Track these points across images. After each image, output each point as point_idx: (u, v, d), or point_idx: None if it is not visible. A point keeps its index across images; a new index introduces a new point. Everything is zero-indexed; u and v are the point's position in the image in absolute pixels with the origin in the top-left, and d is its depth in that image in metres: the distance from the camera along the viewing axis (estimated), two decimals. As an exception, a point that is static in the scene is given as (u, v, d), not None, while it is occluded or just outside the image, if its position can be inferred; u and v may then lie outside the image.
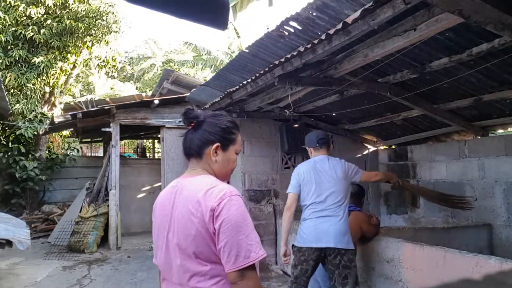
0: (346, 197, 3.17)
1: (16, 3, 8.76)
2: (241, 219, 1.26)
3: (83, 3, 9.33)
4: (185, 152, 1.51)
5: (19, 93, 9.10)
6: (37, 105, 9.15)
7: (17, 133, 8.72)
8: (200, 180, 1.36)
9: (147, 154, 16.05)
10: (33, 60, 8.89)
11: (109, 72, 11.64)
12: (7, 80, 8.58)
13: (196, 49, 16.56)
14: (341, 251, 3.02)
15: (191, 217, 1.29)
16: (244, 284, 1.23)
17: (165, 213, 1.40)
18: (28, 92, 9.04)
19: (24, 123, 8.72)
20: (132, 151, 16.88)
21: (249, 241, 1.25)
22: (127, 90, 18.22)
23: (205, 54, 16.07)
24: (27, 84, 8.99)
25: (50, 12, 9.25)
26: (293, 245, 3.28)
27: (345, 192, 3.17)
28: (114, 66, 11.13)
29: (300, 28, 3.35)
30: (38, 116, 9.12)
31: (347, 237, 3.07)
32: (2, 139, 9.45)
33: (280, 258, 3.51)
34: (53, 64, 9.10)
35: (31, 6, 8.81)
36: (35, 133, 8.93)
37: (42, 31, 8.77)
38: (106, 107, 7.40)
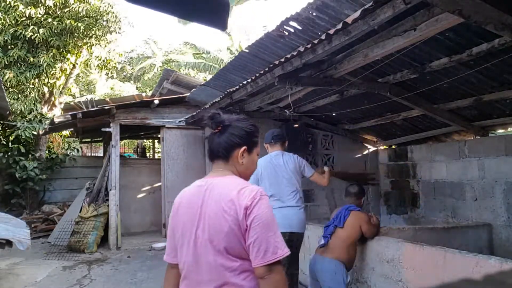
0: (298, 188, 3.57)
1: (16, 3, 8.76)
2: (270, 217, 1.37)
3: (83, 3, 9.32)
4: (211, 154, 1.57)
5: (18, 92, 9.10)
6: (36, 105, 9.14)
7: (13, 135, 8.70)
8: (230, 181, 1.45)
9: (147, 154, 16.05)
10: (32, 60, 8.88)
11: (109, 73, 11.63)
12: (5, 77, 8.56)
13: (196, 49, 16.57)
14: (301, 235, 3.55)
15: (224, 215, 1.36)
16: (271, 278, 1.32)
17: (193, 211, 1.45)
18: (27, 92, 9.04)
19: (23, 123, 8.71)
20: (132, 151, 16.87)
21: (276, 238, 1.35)
22: (127, 90, 18.23)
23: (204, 54, 16.08)
24: (26, 84, 8.98)
25: (50, 12, 9.24)
26: None
27: (298, 184, 3.55)
28: (114, 66, 11.13)
29: (300, 28, 3.35)
30: (38, 116, 9.11)
31: (304, 223, 3.62)
32: (2, 139, 9.44)
33: None
34: (53, 64, 9.09)
35: (30, 7, 8.81)
36: (34, 133, 8.92)
37: (41, 30, 8.77)
38: (106, 107, 7.40)
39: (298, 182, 3.57)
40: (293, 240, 3.43)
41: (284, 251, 1.35)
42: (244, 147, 1.51)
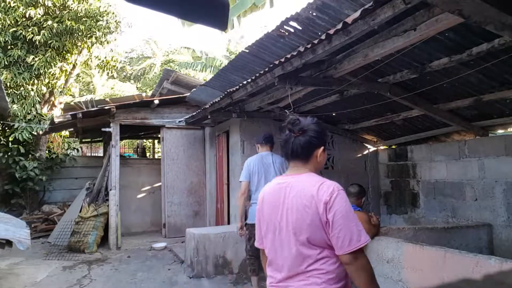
0: None
1: (16, 4, 8.75)
2: (349, 209, 1.52)
3: (83, 2, 9.32)
4: (291, 154, 1.71)
5: (17, 93, 9.10)
6: (35, 106, 9.14)
7: (10, 138, 8.69)
8: (308, 178, 1.62)
9: (147, 154, 16.05)
10: (28, 60, 8.88)
11: (109, 72, 11.63)
12: (3, 77, 8.56)
13: (194, 53, 16.58)
14: None
15: (305, 209, 1.54)
16: (358, 263, 1.49)
17: (276, 205, 1.65)
18: (24, 93, 9.03)
19: (21, 124, 8.70)
20: (132, 151, 16.87)
21: (358, 227, 1.50)
22: (127, 90, 18.23)
23: (204, 55, 16.08)
24: (24, 84, 8.98)
25: (50, 12, 9.24)
26: (246, 223, 4.24)
27: None
28: (114, 66, 11.13)
29: (300, 28, 3.35)
30: (37, 117, 9.11)
31: None
32: (2, 139, 9.44)
33: (238, 232, 4.39)
34: (51, 64, 9.08)
35: (30, 8, 8.80)
36: (34, 133, 8.92)
37: (42, 32, 8.77)
38: (106, 107, 7.39)
39: None
40: None
41: (366, 238, 1.50)
42: (322, 147, 1.69)
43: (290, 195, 1.60)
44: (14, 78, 8.78)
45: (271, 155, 4.28)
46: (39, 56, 8.98)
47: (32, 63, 8.91)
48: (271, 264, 1.68)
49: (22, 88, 9.05)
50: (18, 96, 9.04)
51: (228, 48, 16.68)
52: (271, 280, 1.67)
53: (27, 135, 8.73)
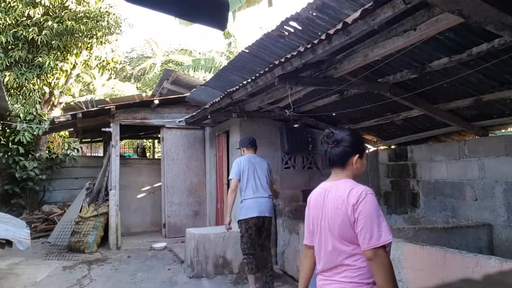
0: (269, 183, 4.56)
1: (15, 3, 8.75)
2: (374, 211, 1.70)
3: (82, 3, 9.32)
4: (330, 163, 1.95)
5: (19, 93, 9.10)
6: (35, 106, 9.14)
7: (16, 140, 8.69)
8: (343, 183, 1.84)
9: (147, 154, 16.05)
10: (36, 61, 8.89)
11: (109, 73, 11.64)
12: (6, 80, 8.57)
13: (192, 55, 16.57)
14: (271, 218, 4.58)
15: (337, 211, 1.77)
16: (377, 260, 1.66)
17: (318, 207, 1.92)
18: (27, 93, 9.04)
19: (22, 125, 8.69)
20: (132, 151, 16.87)
21: (380, 228, 1.68)
22: (127, 90, 18.23)
23: (202, 56, 16.07)
24: (27, 85, 8.98)
25: (50, 12, 9.24)
26: (239, 220, 4.44)
27: (268, 180, 4.56)
28: (114, 67, 11.14)
29: (300, 28, 3.35)
30: (37, 117, 9.11)
31: (273, 209, 4.66)
32: (2, 139, 9.44)
33: (227, 227, 4.58)
34: (56, 65, 9.10)
35: (29, 7, 8.80)
36: (34, 133, 8.92)
37: (43, 32, 8.77)
38: (106, 107, 7.39)
39: (268, 178, 4.57)
40: (265, 222, 4.48)
41: (387, 238, 1.67)
42: (356, 155, 1.90)
43: (328, 198, 1.85)
44: (17, 79, 8.78)
45: (257, 157, 4.61)
46: (42, 56, 8.98)
47: (38, 64, 8.90)
48: (316, 257, 1.97)
49: (24, 88, 9.05)
50: (20, 97, 9.05)
51: (228, 49, 16.67)
52: (317, 270, 1.96)
53: (29, 136, 8.73)
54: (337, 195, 1.80)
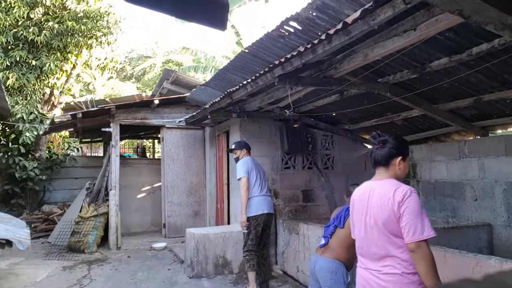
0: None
1: (16, 3, 8.75)
2: (418, 208, 1.86)
3: (83, 2, 9.32)
4: (375, 163, 2.10)
5: (19, 94, 9.10)
6: (37, 106, 9.14)
7: (20, 140, 8.69)
8: (388, 182, 1.99)
9: (147, 154, 16.05)
10: (36, 62, 8.88)
11: (109, 73, 11.64)
12: (8, 81, 8.57)
13: (194, 54, 16.56)
14: (274, 215, 5.07)
15: (384, 207, 1.92)
16: (420, 252, 1.81)
17: (363, 204, 2.06)
18: (28, 93, 9.04)
19: (24, 125, 8.69)
20: (132, 151, 16.87)
21: (423, 224, 1.83)
22: (127, 90, 18.23)
23: (204, 56, 16.06)
24: (28, 85, 8.98)
25: (50, 12, 9.24)
26: (247, 218, 4.55)
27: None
28: (114, 67, 11.14)
29: (300, 28, 3.35)
30: (38, 117, 9.11)
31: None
32: (2, 139, 9.44)
33: (243, 225, 4.59)
34: (56, 66, 9.09)
35: (29, 7, 8.79)
36: (35, 133, 8.92)
37: (43, 32, 8.77)
38: (106, 107, 7.39)
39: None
40: (270, 219, 4.74)
41: (429, 233, 1.82)
42: (400, 157, 2.05)
43: (374, 196, 2.00)
44: (19, 80, 8.78)
45: (255, 159, 4.91)
46: (42, 57, 8.98)
47: (38, 65, 8.90)
48: (358, 251, 2.13)
49: (25, 89, 9.05)
50: (21, 97, 9.04)
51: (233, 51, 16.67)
52: (360, 264, 2.12)
53: (32, 138, 8.73)
54: (383, 192, 1.95)
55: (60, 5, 9.26)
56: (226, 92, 4.93)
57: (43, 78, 9.24)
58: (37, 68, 8.98)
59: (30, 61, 8.92)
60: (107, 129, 7.46)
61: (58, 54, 9.22)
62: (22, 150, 8.83)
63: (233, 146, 5.03)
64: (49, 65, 8.89)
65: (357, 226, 2.12)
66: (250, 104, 5.41)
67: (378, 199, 1.96)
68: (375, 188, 2.03)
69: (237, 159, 4.90)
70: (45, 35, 8.75)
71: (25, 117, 8.68)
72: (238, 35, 15.48)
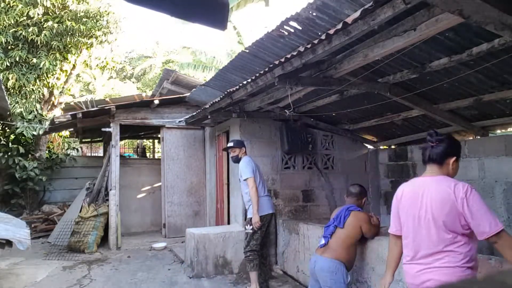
0: None
1: (15, 3, 8.75)
2: (483, 203, 1.92)
3: (82, 3, 9.32)
4: (429, 160, 2.15)
5: (19, 94, 9.10)
6: (36, 106, 9.14)
7: (17, 131, 8.70)
8: (444, 179, 2.05)
9: (147, 154, 16.05)
10: (35, 62, 8.88)
11: (109, 73, 11.65)
12: (9, 83, 8.58)
13: (194, 54, 16.56)
14: (275, 215, 5.18)
15: (444, 202, 1.96)
16: (502, 241, 1.89)
17: (415, 198, 2.10)
18: (27, 93, 9.04)
19: (23, 123, 8.69)
20: (132, 151, 16.86)
21: (493, 216, 1.91)
22: (127, 90, 18.23)
23: (204, 55, 16.05)
24: (27, 85, 8.98)
25: (49, 12, 9.24)
26: (250, 218, 4.60)
27: None
28: (114, 67, 11.14)
29: (300, 28, 3.35)
30: (37, 117, 9.11)
31: None
32: (2, 139, 9.44)
33: (256, 226, 4.57)
34: (55, 66, 9.09)
35: (29, 7, 8.79)
36: (34, 133, 8.92)
37: (43, 32, 8.77)
38: (106, 107, 7.39)
39: None
40: (272, 219, 4.89)
41: (500, 223, 1.90)
42: (454, 157, 2.12)
43: (430, 191, 2.03)
44: (19, 80, 8.78)
45: None
46: (42, 56, 8.98)
47: (38, 65, 8.90)
48: (408, 245, 2.14)
49: (24, 88, 9.05)
50: (21, 97, 9.05)
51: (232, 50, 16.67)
52: (408, 258, 2.13)
53: (30, 134, 8.73)
54: (441, 188, 2.00)
55: (60, 5, 9.26)
56: (226, 92, 4.93)
57: (43, 78, 9.24)
58: (37, 68, 8.98)
59: (30, 61, 8.92)
60: (107, 129, 7.46)
61: (58, 54, 9.23)
62: (21, 150, 8.82)
63: (231, 144, 4.94)
64: (48, 64, 8.88)
65: (407, 221, 2.14)
66: (250, 104, 5.41)
67: (437, 194, 2.00)
68: (430, 183, 2.07)
69: (236, 158, 4.86)
70: (45, 35, 8.76)
71: (24, 115, 8.68)
72: (238, 35, 15.48)
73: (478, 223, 1.89)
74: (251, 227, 4.57)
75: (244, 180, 4.64)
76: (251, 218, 4.59)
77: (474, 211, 1.89)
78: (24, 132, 8.63)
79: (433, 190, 2.02)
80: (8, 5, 8.78)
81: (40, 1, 8.82)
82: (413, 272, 2.09)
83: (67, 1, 9.15)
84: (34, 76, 9.00)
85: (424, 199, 2.04)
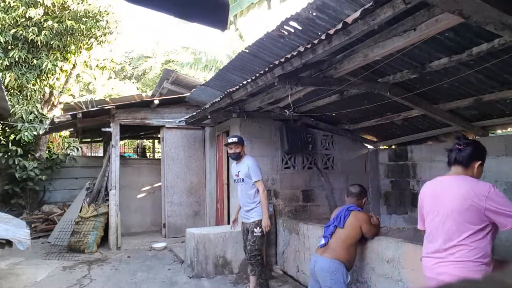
0: None
1: (15, 3, 8.75)
2: (506, 199, 2.04)
3: (83, 2, 9.32)
4: (455, 161, 2.27)
5: (19, 94, 9.10)
6: (36, 106, 9.14)
7: (17, 137, 8.70)
8: (466, 178, 2.17)
9: (147, 154, 16.05)
10: (35, 62, 8.88)
11: (109, 73, 11.65)
12: (7, 81, 8.57)
13: (195, 54, 16.56)
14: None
15: (465, 199, 2.07)
16: None
17: (436, 195, 2.24)
18: (28, 93, 9.04)
19: (23, 124, 8.69)
20: (132, 151, 16.86)
21: None
22: (127, 90, 18.22)
23: (204, 56, 16.06)
24: (27, 85, 8.98)
25: (49, 12, 9.24)
26: (261, 220, 4.48)
27: None
28: (113, 68, 11.14)
29: (300, 28, 3.35)
30: (38, 117, 9.11)
31: None
32: (2, 139, 9.44)
33: (267, 229, 4.49)
34: (55, 66, 9.09)
35: (30, 8, 8.79)
36: (35, 133, 8.92)
37: (43, 32, 8.76)
38: (106, 107, 7.39)
39: None
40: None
41: None
42: (480, 161, 2.24)
43: (451, 188, 2.16)
44: (18, 80, 8.78)
45: None
46: (42, 56, 8.98)
47: (38, 64, 8.90)
48: (427, 239, 2.28)
49: (24, 89, 9.06)
50: (21, 97, 9.05)
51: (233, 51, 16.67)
52: (426, 252, 2.26)
53: (30, 136, 8.73)
54: (463, 185, 2.13)
55: (60, 5, 9.26)
56: (226, 92, 4.93)
57: (43, 78, 9.24)
58: (37, 68, 8.98)
59: (30, 61, 8.92)
60: (107, 129, 7.46)
61: (58, 54, 9.23)
62: (20, 151, 8.81)
63: (235, 139, 4.57)
64: (47, 65, 8.88)
65: (428, 216, 2.29)
66: (250, 104, 5.41)
67: (458, 190, 2.12)
68: (452, 181, 2.20)
69: (237, 155, 4.57)
70: (45, 34, 8.75)
71: (24, 117, 8.68)
72: (240, 36, 15.50)
73: (506, 218, 2.00)
74: (261, 229, 4.46)
75: (255, 181, 4.49)
76: (260, 221, 4.47)
77: (499, 208, 2.00)
78: (24, 136, 8.61)
79: (454, 186, 2.14)
80: (8, 5, 8.78)
81: (41, 1, 8.82)
82: (429, 265, 2.20)
83: (68, 1, 9.15)
84: (34, 76, 9.00)
85: (445, 195, 2.18)
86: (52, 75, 9.35)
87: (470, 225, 2.05)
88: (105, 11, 9.55)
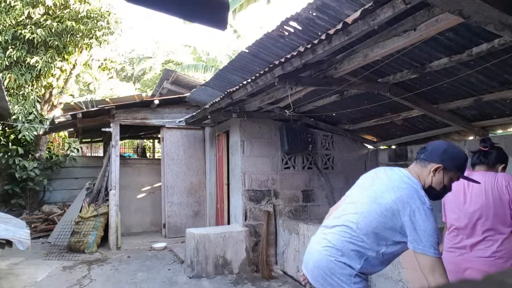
0: None
1: (16, 3, 8.74)
2: None
3: (84, 3, 9.32)
4: (480, 162, 2.40)
5: (18, 94, 9.09)
6: (35, 106, 9.13)
7: (19, 136, 8.70)
8: (493, 175, 2.31)
9: (147, 154, 16.04)
10: (28, 60, 8.86)
11: (109, 73, 11.66)
12: (6, 82, 8.57)
13: (196, 52, 16.55)
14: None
15: (487, 192, 2.21)
16: None
17: (459, 191, 2.32)
18: (26, 93, 9.03)
19: (23, 124, 8.69)
20: (132, 151, 16.85)
21: None
22: (127, 90, 18.22)
23: (205, 55, 16.05)
24: (26, 85, 8.97)
25: (50, 12, 9.24)
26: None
27: None
28: (113, 68, 11.15)
29: (300, 28, 3.35)
30: (38, 117, 9.11)
31: None
32: (2, 139, 9.44)
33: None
34: (51, 64, 9.07)
35: (29, 7, 8.78)
36: (35, 133, 8.92)
37: (39, 30, 8.74)
38: (106, 107, 7.39)
39: None
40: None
41: None
42: (503, 165, 2.41)
43: (475, 184, 2.21)
44: (17, 80, 8.77)
45: None
46: (40, 56, 8.97)
47: (34, 64, 8.89)
48: (452, 231, 2.38)
49: (23, 89, 9.05)
50: (20, 97, 9.04)
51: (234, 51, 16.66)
52: (450, 244, 2.35)
53: (31, 136, 8.72)
54: (488, 180, 2.25)
55: (61, 5, 9.25)
56: (226, 92, 4.93)
57: (42, 77, 9.23)
58: (34, 67, 8.98)
59: (28, 60, 8.91)
60: (107, 129, 7.46)
61: (55, 53, 9.20)
62: (20, 151, 8.81)
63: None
64: (43, 63, 8.85)
65: (453, 210, 2.41)
66: (250, 104, 5.41)
67: (487, 186, 2.23)
68: (480, 178, 2.25)
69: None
70: (41, 32, 8.72)
71: (20, 118, 8.68)
72: (238, 35, 15.49)
73: None
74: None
75: None
76: None
77: None
78: (26, 136, 8.61)
79: (482, 184, 2.22)
80: (9, 5, 8.78)
81: (43, 1, 8.81)
82: (452, 259, 2.28)
83: (69, 0, 9.14)
84: (32, 75, 8.99)
85: (467, 191, 2.29)
86: (47, 74, 9.31)
87: (494, 219, 2.15)
88: (107, 11, 9.55)
